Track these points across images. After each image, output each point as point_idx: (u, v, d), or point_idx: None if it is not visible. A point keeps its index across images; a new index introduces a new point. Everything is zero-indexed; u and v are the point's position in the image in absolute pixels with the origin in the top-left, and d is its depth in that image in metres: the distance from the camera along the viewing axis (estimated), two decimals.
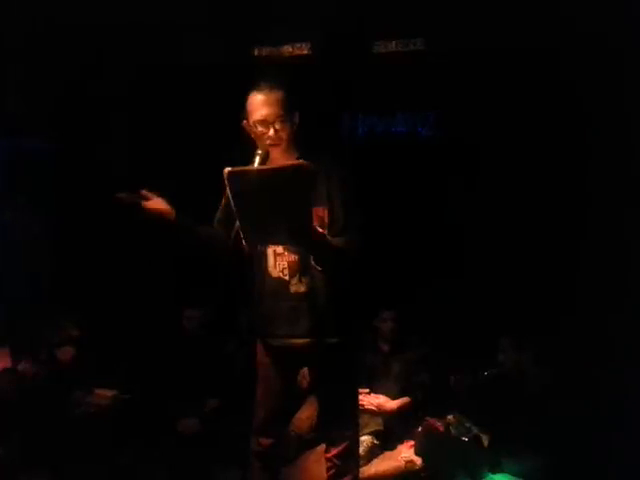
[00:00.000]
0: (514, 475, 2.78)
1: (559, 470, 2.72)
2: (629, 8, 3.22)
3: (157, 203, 2.10)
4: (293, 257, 2.10)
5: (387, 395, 3.33)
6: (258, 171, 1.85)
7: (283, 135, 2.08)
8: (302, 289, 2.10)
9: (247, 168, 1.88)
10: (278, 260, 2.13)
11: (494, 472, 2.81)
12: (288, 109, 2.09)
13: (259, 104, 2.07)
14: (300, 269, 2.10)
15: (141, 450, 3.11)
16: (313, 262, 1.98)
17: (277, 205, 1.76)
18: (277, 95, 2.08)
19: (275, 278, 2.14)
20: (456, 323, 3.60)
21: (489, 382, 3.25)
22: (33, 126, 4.08)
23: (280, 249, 2.13)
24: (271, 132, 2.07)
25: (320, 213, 2.05)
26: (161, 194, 2.14)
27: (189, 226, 2.15)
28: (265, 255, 2.15)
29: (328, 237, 1.97)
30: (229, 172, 1.78)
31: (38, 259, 4.09)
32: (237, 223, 1.83)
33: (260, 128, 2.08)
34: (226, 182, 1.78)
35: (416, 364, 3.44)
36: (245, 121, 2.13)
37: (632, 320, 3.21)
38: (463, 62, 3.85)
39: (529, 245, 3.68)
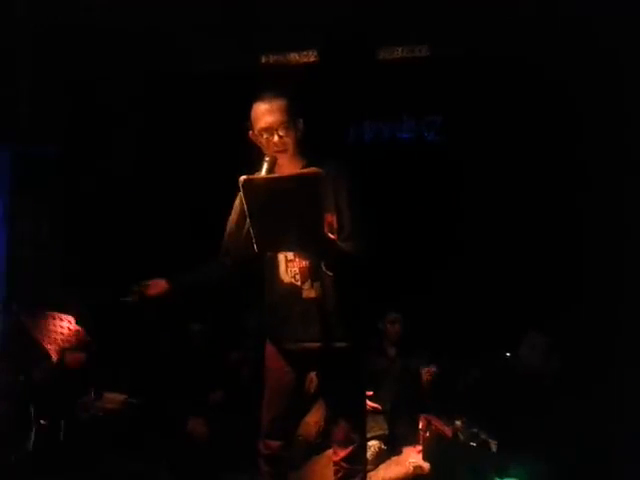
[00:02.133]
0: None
1: (566, 475, 2.72)
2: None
3: (156, 287, 2.21)
4: (304, 263, 2.12)
5: (391, 397, 3.34)
6: (272, 179, 1.89)
7: (288, 141, 2.11)
8: (313, 294, 2.12)
9: (261, 176, 1.92)
10: (289, 266, 2.15)
11: (501, 477, 2.80)
12: (292, 116, 2.11)
13: (262, 112, 2.10)
14: (311, 274, 2.11)
15: (149, 455, 3.12)
16: (324, 268, 2.00)
17: (289, 212, 1.80)
18: (280, 102, 2.10)
19: (287, 284, 2.15)
20: (462, 325, 3.60)
21: (500, 378, 3.25)
22: (41, 132, 4.12)
23: (291, 255, 2.14)
24: (275, 139, 2.09)
25: (329, 219, 2.06)
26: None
27: (186, 285, 2.29)
28: (276, 261, 2.17)
29: (338, 243, 1.99)
30: (244, 180, 1.81)
31: (47, 265, 4.12)
32: (250, 230, 1.86)
33: (265, 136, 2.10)
34: (241, 190, 1.81)
35: (422, 366, 3.45)
36: (251, 131, 2.16)
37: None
38: (468, 68, 3.87)
39: (535, 248, 3.69)
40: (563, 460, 2.76)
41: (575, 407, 2.98)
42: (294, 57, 4.09)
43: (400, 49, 4.00)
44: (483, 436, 3.07)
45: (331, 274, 2.03)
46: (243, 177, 1.82)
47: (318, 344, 2.13)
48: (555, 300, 3.56)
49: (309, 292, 2.12)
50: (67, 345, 3.38)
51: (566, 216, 3.67)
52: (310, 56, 4.08)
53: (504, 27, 3.70)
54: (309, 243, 1.90)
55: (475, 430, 3.11)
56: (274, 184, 1.83)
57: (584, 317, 3.39)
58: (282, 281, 2.16)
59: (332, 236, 1.96)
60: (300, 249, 2.04)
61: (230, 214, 2.26)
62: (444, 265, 3.77)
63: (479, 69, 3.85)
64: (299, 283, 2.13)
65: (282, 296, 2.17)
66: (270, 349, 2.28)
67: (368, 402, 3.20)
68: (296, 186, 1.79)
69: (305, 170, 1.89)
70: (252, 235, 1.85)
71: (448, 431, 3.10)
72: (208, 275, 2.32)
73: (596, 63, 3.52)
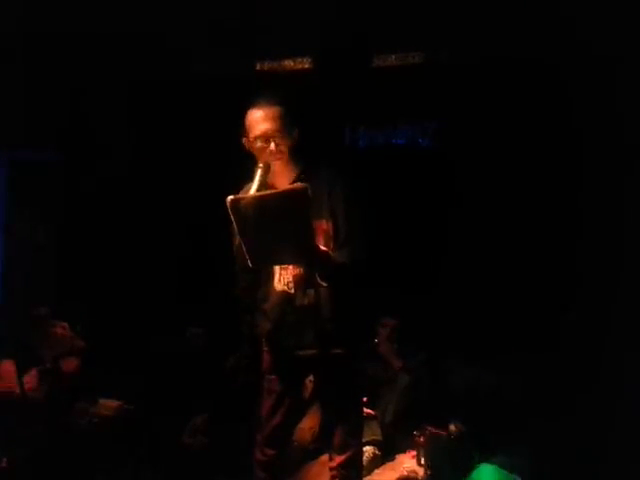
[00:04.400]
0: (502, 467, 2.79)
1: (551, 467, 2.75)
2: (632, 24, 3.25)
3: None
4: (297, 271, 2.13)
5: (386, 403, 3.35)
6: (258, 197, 1.90)
7: (283, 149, 2.12)
8: (307, 302, 2.13)
9: (248, 195, 1.93)
10: (282, 274, 2.15)
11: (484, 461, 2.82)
12: (287, 123, 2.12)
13: (259, 119, 2.11)
14: (304, 283, 2.12)
15: (145, 461, 3.11)
16: (318, 279, 2.02)
17: (279, 228, 1.83)
18: (276, 110, 2.11)
19: (280, 292, 2.16)
20: (455, 330, 3.62)
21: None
22: (37, 137, 4.12)
23: None
24: (272, 146, 2.10)
25: (324, 226, 2.08)
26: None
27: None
28: (270, 269, 2.18)
29: (331, 253, 2.00)
30: (231, 200, 1.84)
31: (43, 270, 4.12)
32: (242, 246, 1.88)
33: (260, 143, 2.11)
34: (229, 209, 1.84)
35: (417, 372, 3.45)
36: (245, 138, 2.17)
37: (625, 327, 3.23)
38: (462, 74, 3.88)
39: (528, 255, 3.70)
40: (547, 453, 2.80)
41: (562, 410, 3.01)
42: (289, 64, 4.11)
43: (394, 56, 4.01)
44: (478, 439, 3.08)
45: (325, 285, 2.04)
46: (230, 197, 1.84)
47: (313, 351, 2.14)
48: (549, 302, 3.58)
49: (302, 300, 2.13)
50: (61, 351, 3.38)
51: (561, 220, 3.68)
52: (305, 63, 4.09)
53: (498, 33, 3.72)
54: (301, 257, 1.93)
55: (470, 433, 3.13)
56: (261, 202, 1.86)
57: (578, 319, 3.42)
58: (275, 289, 2.17)
59: (323, 248, 1.98)
60: (293, 262, 2.06)
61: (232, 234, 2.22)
62: (439, 269, 3.78)
63: (473, 75, 3.87)
64: (292, 291, 2.14)
65: (275, 304, 2.18)
66: (267, 357, 2.29)
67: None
68: (283, 203, 1.83)
69: (291, 186, 1.92)
70: (244, 252, 1.88)
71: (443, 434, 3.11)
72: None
73: (592, 67, 3.53)
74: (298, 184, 1.87)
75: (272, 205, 1.84)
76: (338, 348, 2.14)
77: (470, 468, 2.85)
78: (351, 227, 2.10)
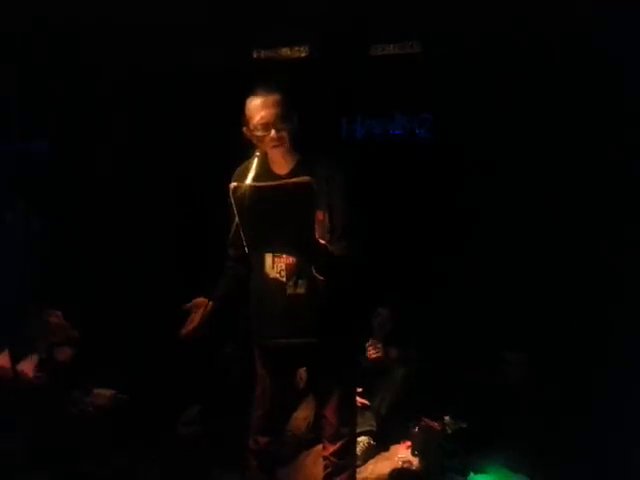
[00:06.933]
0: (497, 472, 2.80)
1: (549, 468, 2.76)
2: (628, 15, 3.24)
3: (199, 314, 2.26)
4: (291, 259, 2.12)
5: (383, 394, 3.36)
6: (262, 187, 1.89)
7: (284, 135, 2.11)
8: (299, 291, 2.13)
9: (252, 184, 1.93)
10: (276, 262, 2.15)
11: (476, 472, 2.83)
12: (287, 110, 2.12)
13: (258, 107, 2.10)
14: (297, 271, 2.12)
15: (139, 451, 3.12)
16: (314, 272, 2.01)
17: (280, 218, 1.83)
18: (275, 97, 2.11)
19: (272, 279, 2.16)
20: (454, 325, 3.62)
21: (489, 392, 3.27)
22: (30, 129, 4.10)
23: None
24: (272, 133, 2.09)
25: (320, 217, 2.07)
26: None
27: (223, 301, 2.30)
28: (263, 256, 2.17)
29: (329, 246, 2.00)
30: (234, 187, 1.83)
31: (37, 260, 4.11)
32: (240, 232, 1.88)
33: (260, 131, 2.11)
34: (231, 196, 1.83)
35: (413, 365, 3.46)
36: (245, 127, 2.16)
37: (627, 330, 3.23)
38: (460, 65, 3.87)
39: (528, 248, 3.70)
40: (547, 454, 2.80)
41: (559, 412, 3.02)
42: (286, 52, 4.09)
43: (392, 45, 4.00)
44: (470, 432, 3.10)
45: (322, 278, 2.03)
46: (233, 184, 1.84)
47: (304, 340, 2.14)
48: (546, 295, 3.58)
49: (294, 289, 2.13)
50: (55, 340, 3.38)
51: (561, 216, 3.67)
52: (302, 51, 4.07)
53: (497, 24, 3.70)
54: (299, 248, 1.93)
55: (463, 426, 3.14)
56: (264, 192, 1.85)
57: (577, 317, 3.42)
58: (267, 276, 2.17)
59: (322, 241, 1.97)
60: (291, 253, 2.06)
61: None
62: (436, 262, 3.78)
63: (471, 66, 3.86)
64: (284, 279, 2.14)
65: (266, 291, 2.18)
66: (259, 345, 2.29)
67: (357, 398, 3.22)
68: (286, 194, 1.82)
69: (297, 179, 1.89)
70: (242, 237, 1.87)
71: (437, 426, 3.12)
72: (236, 277, 2.31)
73: (591, 63, 3.52)
74: (305, 177, 1.85)
75: (276, 195, 1.83)
76: (330, 337, 2.14)
77: (462, 463, 2.87)
78: (349, 221, 2.11)
